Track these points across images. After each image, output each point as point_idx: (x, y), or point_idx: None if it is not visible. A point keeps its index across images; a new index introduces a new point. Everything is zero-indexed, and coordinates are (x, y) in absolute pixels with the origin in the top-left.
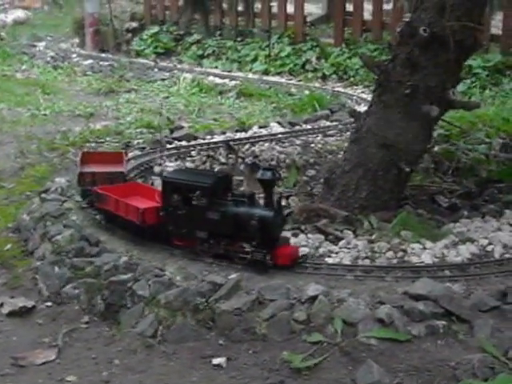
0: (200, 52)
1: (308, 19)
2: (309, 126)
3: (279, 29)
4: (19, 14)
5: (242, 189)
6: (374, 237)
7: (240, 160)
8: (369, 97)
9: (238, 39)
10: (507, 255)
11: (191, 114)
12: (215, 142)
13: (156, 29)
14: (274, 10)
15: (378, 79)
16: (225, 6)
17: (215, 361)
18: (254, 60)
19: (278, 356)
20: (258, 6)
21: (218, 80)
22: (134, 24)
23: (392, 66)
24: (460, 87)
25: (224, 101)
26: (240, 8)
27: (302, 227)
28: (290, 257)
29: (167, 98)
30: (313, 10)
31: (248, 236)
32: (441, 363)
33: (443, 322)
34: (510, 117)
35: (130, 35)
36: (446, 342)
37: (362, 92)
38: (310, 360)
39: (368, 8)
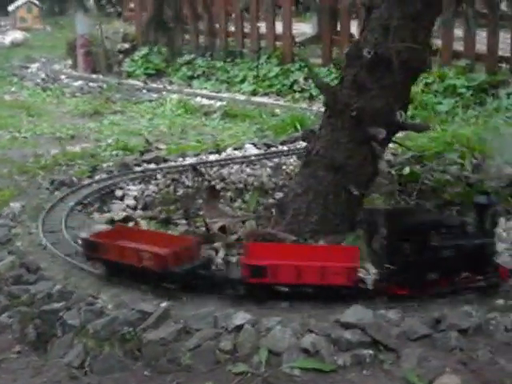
0: (190, 73)
1: (298, 39)
2: (284, 148)
3: (268, 49)
4: (17, 35)
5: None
6: None
7: (206, 183)
8: None
9: (228, 60)
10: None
11: (173, 135)
12: (183, 165)
13: (147, 50)
14: (264, 30)
15: (326, 102)
16: (216, 25)
17: None
18: (243, 81)
19: None
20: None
21: (204, 101)
22: (126, 45)
23: (340, 88)
24: (444, 107)
25: (208, 122)
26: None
27: None
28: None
29: (151, 119)
30: (306, 29)
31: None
32: None
33: (370, 352)
34: (488, 137)
35: (121, 56)
36: (372, 371)
37: None
38: None
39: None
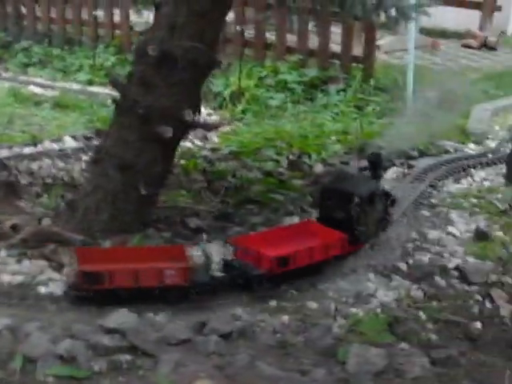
0: (26, 60)
1: (137, 28)
2: None
3: (106, 38)
4: None
5: None
6: None
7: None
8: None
9: (66, 48)
10: None
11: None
12: None
13: None
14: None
15: (114, 99)
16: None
17: None
18: (79, 70)
19: None
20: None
21: (37, 89)
22: None
23: (128, 85)
24: (275, 102)
25: (38, 112)
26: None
27: (29, 252)
28: None
29: None
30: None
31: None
32: None
33: (127, 357)
34: (308, 133)
35: None
36: (128, 377)
37: None
38: None
39: None
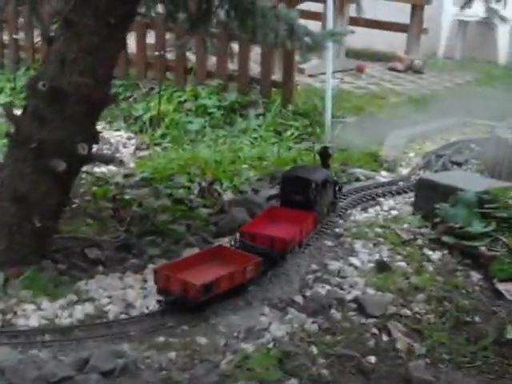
0: None
1: None
2: None
3: (27, 61)
4: None
5: None
6: None
7: None
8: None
9: None
10: (123, 315)
11: None
12: None
13: None
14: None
15: (8, 132)
16: None
17: None
18: (0, 92)
19: None
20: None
21: None
22: None
23: (22, 118)
24: (194, 126)
25: None
26: None
27: None
28: None
29: None
30: None
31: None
32: None
33: None
34: (224, 159)
35: None
36: None
37: (104, 128)
38: None
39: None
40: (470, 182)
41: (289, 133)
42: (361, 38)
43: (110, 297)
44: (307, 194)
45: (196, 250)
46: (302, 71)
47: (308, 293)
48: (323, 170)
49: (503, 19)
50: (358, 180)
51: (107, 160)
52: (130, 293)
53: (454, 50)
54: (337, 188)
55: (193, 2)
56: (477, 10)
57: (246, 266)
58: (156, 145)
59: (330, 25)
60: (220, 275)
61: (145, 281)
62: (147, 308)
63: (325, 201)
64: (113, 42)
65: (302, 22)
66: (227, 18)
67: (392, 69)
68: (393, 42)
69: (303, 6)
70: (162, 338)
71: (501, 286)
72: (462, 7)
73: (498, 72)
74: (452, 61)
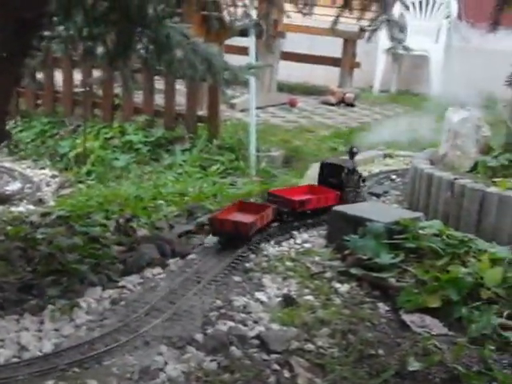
0: None
1: None
2: None
3: None
4: None
5: None
6: None
7: None
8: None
9: None
10: (15, 359)
11: None
12: None
13: None
14: None
15: None
16: None
17: None
18: None
19: None
20: None
21: None
22: None
23: None
24: (120, 162)
25: None
26: None
27: None
28: None
29: None
30: None
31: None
32: None
33: None
34: (144, 195)
35: None
36: None
37: (28, 167)
38: None
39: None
40: (381, 213)
41: (214, 167)
42: (297, 72)
43: (2, 340)
44: (340, 178)
45: (98, 290)
46: (233, 106)
47: (209, 330)
48: (351, 161)
49: (407, 49)
50: None
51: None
52: (24, 335)
53: (390, 83)
54: (361, 178)
55: (111, 37)
56: (410, 44)
57: (269, 211)
58: (80, 182)
59: (252, 59)
60: (260, 215)
61: (41, 322)
62: (41, 351)
63: (352, 184)
64: (6, 80)
65: (235, 56)
66: (146, 53)
67: (324, 102)
68: (329, 76)
69: (236, 42)
70: (50, 382)
71: (407, 318)
72: (368, 40)
73: (428, 104)
74: (386, 94)
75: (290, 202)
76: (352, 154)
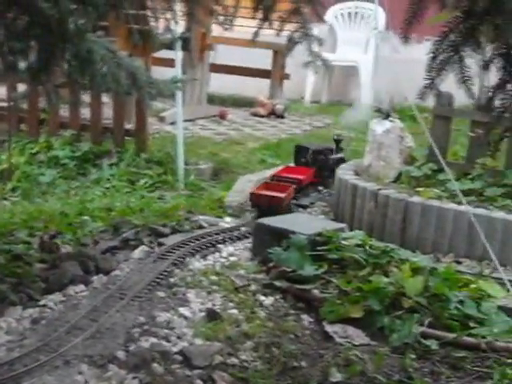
0: None
1: None
2: None
3: None
4: None
5: None
6: None
7: None
8: None
9: None
10: None
11: None
12: None
13: None
14: None
15: None
16: None
17: None
18: None
19: None
20: None
21: None
22: None
23: None
24: (46, 178)
25: None
26: None
27: None
28: None
29: None
30: None
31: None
32: None
33: None
34: (70, 211)
35: None
36: None
37: None
38: None
39: None
40: (305, 224)
41: (142, 182)
42: (229, 84)
43: None
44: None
45: (18, 310)
46: (162, 119)
47: (132, 347)
48: (325, 146)
49: (326, 63)
50: (201, 227)
51: None
52: None
53: (321, 94)
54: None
55: (33, 52)
56: (340, 55)
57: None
58: (5, 199)
59: (178, 72)
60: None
61: None
62: None
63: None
64: None
65: (163, 69)
66: (69, 67)
67: (254, 114)
68: (260, 88)
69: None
70: None
71: (330, 329)
72: (288, 53)
73: (356, 114)
74: (317, 105)
75: (296, 179)
76: (338, 142)
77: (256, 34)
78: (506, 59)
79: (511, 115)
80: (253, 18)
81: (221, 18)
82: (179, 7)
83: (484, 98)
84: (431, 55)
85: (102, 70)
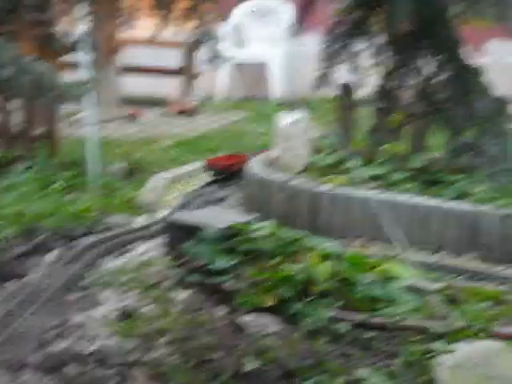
0: None
1: None
2: None
3: None
4: None
5: None
6: None
7: None
8: None
9: None
10: None
11: None
12: None
13: None
14: None
15: None
16: None
17: None
18: None
19: None
20: None
21: None
22: None
23: None
24: None
25: None
26: None
27: None
28: None
29: None
30: None
31: None
32: None
33: None
34: None
35: None
36: None
37: None
38: None
39: None
40: (216, 218)
41: (55, 185)
42: (143, 84)
43: None
44: None
45: None
46: (75, 122)
47: (46, 350)
48: None
49: (225, 60)
50: (113, 227)
51: None
52: None
53: (232, 91)
54: None
55: None
56: (250, 52)
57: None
58: None
59: (84, 75)
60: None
61: None
62: None
63: None
64: None
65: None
66: None
67: (168, 113)
68: (174, 87)
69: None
70: None
71: (243, 319)
72: (191, 51)
73: (267, 109)
74: (229, 101)
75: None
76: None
77: (156, 32)
78: (394, 47)
79: (406, 101)
80: (152, 16)
81: (123, 18)
82: (82, 10)
83: (377, 85)
84: (323, 46)
85: (5, 75)
